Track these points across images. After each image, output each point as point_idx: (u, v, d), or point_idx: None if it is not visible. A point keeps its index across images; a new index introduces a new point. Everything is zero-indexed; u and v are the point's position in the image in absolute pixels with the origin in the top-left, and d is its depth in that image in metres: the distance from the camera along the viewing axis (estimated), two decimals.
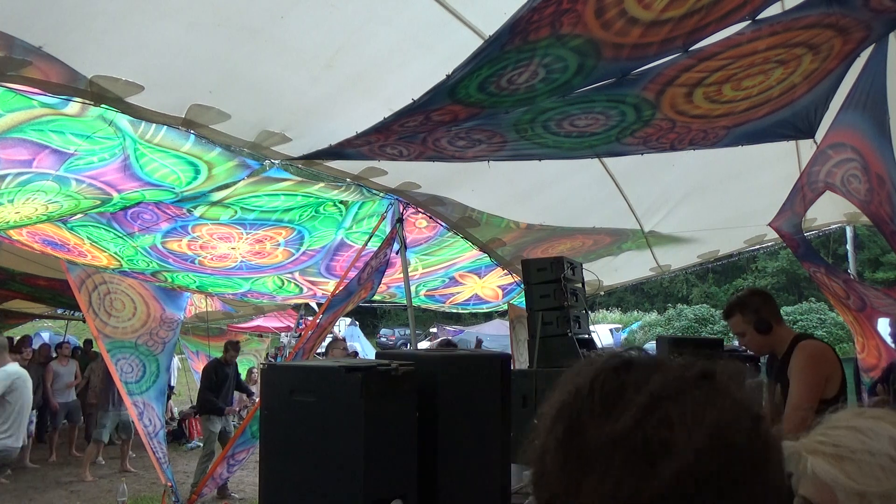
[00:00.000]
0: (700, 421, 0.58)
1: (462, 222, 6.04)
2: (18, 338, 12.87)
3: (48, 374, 9.81)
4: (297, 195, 5.17)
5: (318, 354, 5.85)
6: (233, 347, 9.06)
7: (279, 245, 6.51)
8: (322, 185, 4.83)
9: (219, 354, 9.40)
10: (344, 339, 5.93)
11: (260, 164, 4.29)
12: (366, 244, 5.95)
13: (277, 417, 2.57)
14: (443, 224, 6.04)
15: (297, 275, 7.76)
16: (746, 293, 3.24)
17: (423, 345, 18.37)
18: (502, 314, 15.16)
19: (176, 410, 12.01)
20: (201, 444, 8.81)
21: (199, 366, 11.45)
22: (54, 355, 10.70)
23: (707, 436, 0.57)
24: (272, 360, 13.35)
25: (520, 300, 8.07)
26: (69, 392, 9.89)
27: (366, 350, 19.47)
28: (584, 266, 4.69)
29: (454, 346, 7.12)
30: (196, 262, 6.89)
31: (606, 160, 4.97)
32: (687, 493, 0.56)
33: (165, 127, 3.66)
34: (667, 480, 0.56)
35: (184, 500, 6.52)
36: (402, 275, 6.06)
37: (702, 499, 0.56)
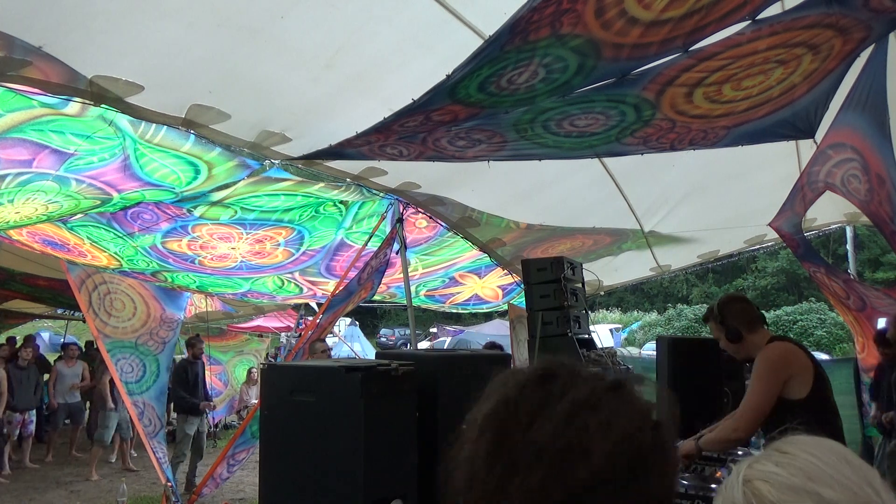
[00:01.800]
0: (611, 428, 0.66)
1: (462, 222, 6.04)
2: (20, 338, 12.89)
3: (52, 374, 9.78)
4: (297, 195, 5.17)
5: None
6: (198, 341, 8.82)
7: (279, 245, 6.51)
8: (322, 185, 4.83)
9: (220, 355, 9.37)
10: (324, 342, 5.89)
11: (260, 164, 4.29)
12: (366, 244, 5.95)
13: (277, 417, 2.57)
14: (443, 224, 6.04)
15: (297, 275, 7.76)
16: (721, 301, 3.20)
17: (424, 345, 18.36)
18: (502, 314, 15.15)
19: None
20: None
21: None
22: (59, 355, 10.69)
23: (616, 442, 0.66)
24: (272, 360, 13.35)
25: (520, 300, 8.07)
26: (73, 393, 9.86)
27: (366, 350, 19.46)
28: (584, 266, 4.69)
29: (500, 347, 7.15)
30: (196, 262, 6.89)
31: (606, 160, 4.97)
32: (596, 491, 0.64)
33: (165, 127, 3.66)
34: (581, 480, 0.64)
35: (183, 500, 6.52)
36: (402, 275, 6.06)
37: (607, 495, 0.65)
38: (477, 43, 2.86)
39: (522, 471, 0.65)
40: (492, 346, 7.75)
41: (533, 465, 0.65)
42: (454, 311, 10.97)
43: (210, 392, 9.67)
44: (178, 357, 8.69)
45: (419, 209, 5.66)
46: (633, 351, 20.49)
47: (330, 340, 11.05)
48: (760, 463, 0.84)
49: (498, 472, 0.67)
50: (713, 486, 2.68)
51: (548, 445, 0.66)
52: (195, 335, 9.31)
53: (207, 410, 8.39)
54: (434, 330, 25.73)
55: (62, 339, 15.68)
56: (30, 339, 10.84)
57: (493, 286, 8.47)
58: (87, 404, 10.61)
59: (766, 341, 2.99)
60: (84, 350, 12.75)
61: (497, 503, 0.66)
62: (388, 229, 5.69)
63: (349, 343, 18.27)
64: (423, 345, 18.97)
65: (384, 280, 6.18)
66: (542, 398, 0.70)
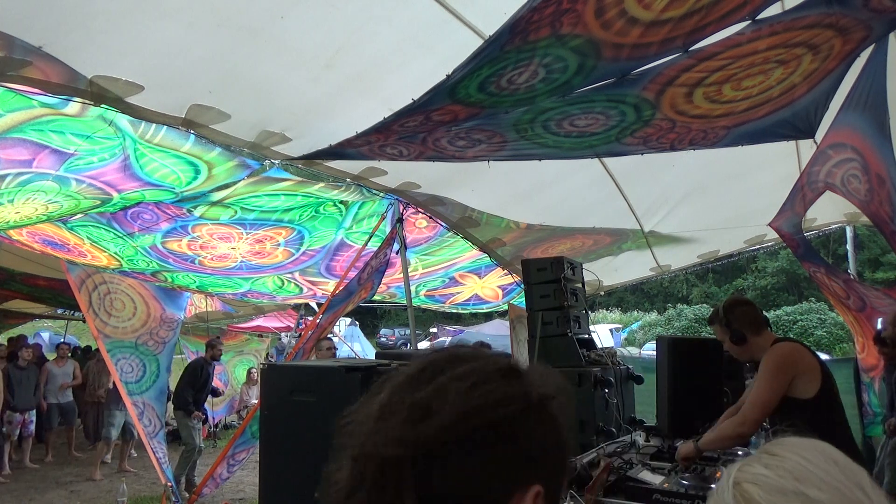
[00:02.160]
0: (469, 395, 0.77)
1: (462, 222, 6.04)
2: (11, 338, 12.89)
3: (42, 374, 9.75)
4: (297, 195, 5.17)
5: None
6: (218, 343, 8.78)
7: (279, 245, 6.51)
8: (322, 185, 4.83)
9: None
10: (329, 339, 5.89)
11: (260, 164, 4.29)
12: (366, 244, 5.95)
13: (277, 417, 2.57)
14: (443, 224, 6.04)
15: (297, 275, 7.76)
16: (726, 303, 3.23)
17: (424, 345, 18.36)
18: (502, 314, 15.15)
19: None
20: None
21: None
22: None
23: (470, 406, 0.76)
24: (272, 359, 13.35)
25: (520, 300, 8.07)
26: (64, 393, 9.82)
27: (366, 350, 19.46)
28: (584, 266, 4.68)
29: (488, 346, 7.13)
30: (196, 262, 6.89)
31: (606, 160, 4.97)
32: (447, 446, 0.74)
33: (165, 127, 3.66)
34: (430, 435, 0.74)
35: (183, 500, 6.52)
36: (402, 275, 6.06)
37: (459, 454, 0.75)
38: (477, 43, 2.86)
39: (393, 419, 0.78)
40: (480, 345, 7.71)
41: (400, 415, 0.77)
42: (454, 311, 10.96)
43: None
44: (178, 357, 8.67)
45: (419, 209, 5.66)
46: (633, 351, 20.49)
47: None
48: (750, 465, 0.85)
49: (374, 417, 0.80)
50: (713, 486, 2.68)
51: (415, 403, 0.77)
52: (216, 336, 9.29)
53: (197, 420, 8.26)
54: (434, 330, 25.74)
55: (62, 339, 15.69)
56: (21, 339, 10.83)
57: (493, 286, 8.47)
58: (85, 404, 10.62)
59: (770, 343, 3.00)
60: (82, 351, 12.75)
61: (373, 444, 0.77)
62: (388, 229, 5.69)
63: (349, 343, 18.26)
64: (423, 345, 18.97)
65: (384, 280, 6.18)
66: (434, 372, 0.81)
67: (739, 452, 3.20)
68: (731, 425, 2.92)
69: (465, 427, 0.75)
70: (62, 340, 13.50)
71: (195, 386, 8.18)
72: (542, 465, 0.79)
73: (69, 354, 10.51)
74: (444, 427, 0.75)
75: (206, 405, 8.98)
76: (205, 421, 8.67)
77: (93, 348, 12.60)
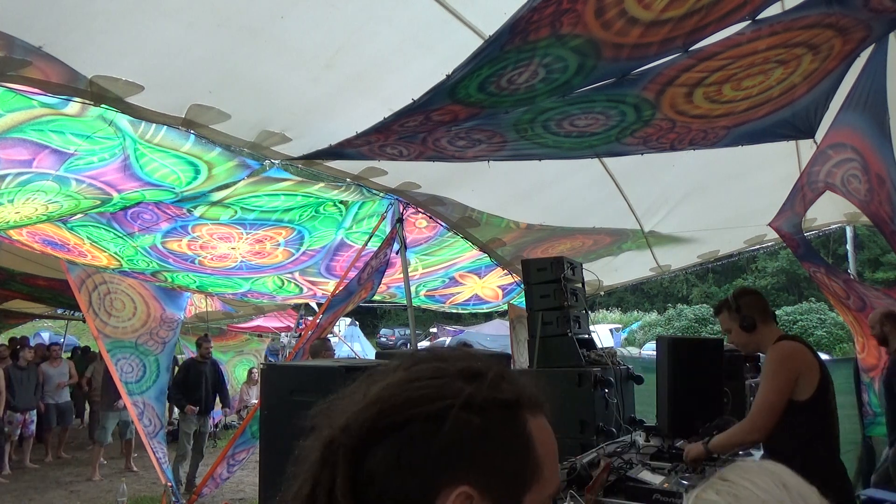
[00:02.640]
0: (398, 391, 0.82)
1: (462, 222, 6.04)
2: (13, 339, 12.88)
3: (38, 375, 9.74)
4: (297, 195, 5.17)
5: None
6: (204, 341, 8.65)
7: (279, 245, 6.51)
8: (322, 185, 4.83)
9: (220, 355, 9.32)
10: (327, 340, 5.88)
11: (260, 164, 4.29)
12: (366, 244, 5.95)
13: (277, 417, 2.57)
14: (443, 224, 6.04)
15: (297, 275, 7.76)
16: (736, 291, 3.26)
17: (424, 345, 18.35)
18: (502, 314, 15.15)
19: (176, 410, 12.02)
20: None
21: None
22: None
23: (398, 400, 0.81)
24: (272, 359, 13.35)
25: (520, 300, 8.07)
26: (61, 393, 9.80)
27: (366, 350, 19.46)
28: (584, 266, 4.68)
29: (469, 346, 7.15)
30: (196, 262, 6.89)
31: (606, 160, 4.97)
32: (378, 431, 0.79)
33: (165, 127, 3.66)
34: (367, 417, 0.81)
35: (183, 500, 6.52)
36: (402, 275, 6.06)
37: (385, 440, 0.79)
38: (477, 43, 2.86)
39: (349, 408, 0.85)
40: (463, 345, 7.71)
41: (357, 397, 0.85)
42: (454, 311, 10.97)
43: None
44: (179, 356, 8.67)
45: (419, 209, 5.66)
46: (633, 351, 20.48)
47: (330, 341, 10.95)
48: (705, 492, 0.92)
49: (341, 406, 0.87)
50: None
51: (367, 392, 0.85)
52: (203, 335, 9.24)
53: (189, 414, 8.17)
54: (434, 330, 25.72)
55: (62, 339, 15.69)
56: (23, 340, 10.83)
57: (493, 286, 8.47)
58: (86, 404, 10.62)
59: (775, 337, 3.01)
60: (81, 351, 12.73)
61: (328, 428, 0.85)
62: (388, 229, 5.69)
63: (349, 343, 18.26)
64: (423, 345, 18.96)
65: (384, 280, 6.18)
66: (404, 367, 0.88)
67: (740, 452, 3.20)
68: (742, 432, 2.90)
69: (396, 417, 0.79)
70: (56, 341, 13.48)
71: (181, 386, 8.14)
72: (474, 466, 0.79)
73: (64, 354, 10.48)
74: (379, 414, 0.80)
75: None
76: (201, 412, 8.47)
77: (91, 349, 12.61)
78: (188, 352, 11.95)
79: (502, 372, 0.86)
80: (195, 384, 8.28)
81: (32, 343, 12.21)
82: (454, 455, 0.78)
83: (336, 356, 11.10)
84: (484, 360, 0.88)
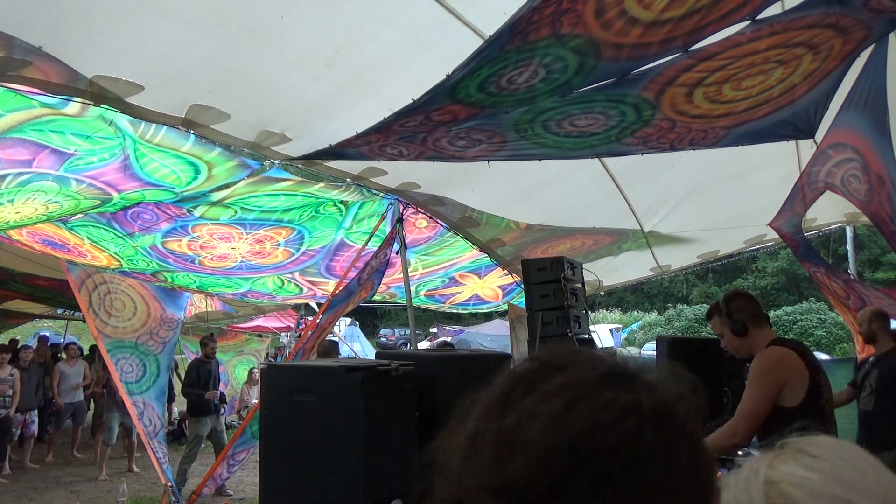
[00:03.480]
0: (563, 423, 0.58)
1: (462, 222, 6.04)
2: (14, 339, 12.88)
3: (55, 374, 9.78)
4: (297, 195, 5.17)
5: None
6: (210, 340, 8.70)
7: (279, 245, 6.51)
8: (322, 185, 4.83)
9: (220, 355, 9.29)
10: (336, 343, 5.89)
11: (260, 164, 4.29)
12: (366, 244, 5.95)
13: (277, 417, 2.57)
14: (443, 224, 6.04)
15: (297, 275, 7.76)
16: (727, 295, 3.19)
17: (423, 345, 18.37)
18: (502, 314, 15.15)
19: (176, 411, 12.02)
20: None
21: None
22: (62, 356, 10.65)
23: (556, 438, 0.57)
24: (272, 359, 13.35)
25: (520, 300, 8.07)
26: (76, 393, 9.84)
27: (366, 350, 19.46)
28: (584, 266, 4.69)
29: (451, 346, 7.15)
30: (196, 262, 6.89)
31: (606, 160, 4.97)
32: (537, 492, 0.56)
33: (165, 127, 3.66)
34: (517, 474, 0.56)
35: (183, 500, 6.52)
36: (402, 275, 6.06)
37: (560, 493, 0.56)
38: (477, 43, 2.86)
39: (476, 457, 0.60)
40: (444, 344, 7.67)
41: (483, 452, 0.60)
42: (454, 311, 10.97)
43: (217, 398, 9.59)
44: (178, 357, 8.66)
45: (419, 209, 5.66)
46: (633, 351, 20.50)
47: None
48: (785, 465, 0.76)
49: (461, 453, 0.62)
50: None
51: (498, 432, 0.60)
52: (209, 334, 9.26)
53: (214, 400, 8.23)
54: (434, 330, 25.71)
55: (62, 339, 15.69)
56: (12, 343, 10.83)
57: (493, 286, 8.47)
58: (91, 404, 10.62)
59: (767, 341, 2.97)
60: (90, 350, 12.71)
61: (459, 490, 0.60)
62: (388, 229, 5.69)
63: (349, 343, 18.26)
64: (423, 345, 18.97)
65: (384, 280, 6.18)
66: (523, 388, 0.63)
67: (739, 453, 3.19)
68: (724, 436, 2.86)
69: (562, 465, 0.56)
70: (68, 341, 13.49)
71: (196, 385, 8.13)
72: (683, 499, 0.58)
73: (77, 355, 10.51)
74: (533, 467, 0.56)
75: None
76: (222, 400, 8.44)
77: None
78: (188, 352, 11.97)
79: (635, 363, 0.65)
80: (206, 383, 8.29)
81: (34, 343, 12.23)
82: (662, 492, 0.57)
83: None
84: (611, 355, 0.66)
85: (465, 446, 0.62)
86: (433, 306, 10.33)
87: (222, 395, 8.83)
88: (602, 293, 9.13)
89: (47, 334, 15.11)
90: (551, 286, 4.19)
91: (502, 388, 0.65)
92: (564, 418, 0.57)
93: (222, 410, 8.90)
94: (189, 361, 9.70)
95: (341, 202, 5.60)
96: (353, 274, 5.74)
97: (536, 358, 0.68)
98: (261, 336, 13.97)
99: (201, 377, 8.19)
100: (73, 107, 3.35)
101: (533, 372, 0.65)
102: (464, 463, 0.61)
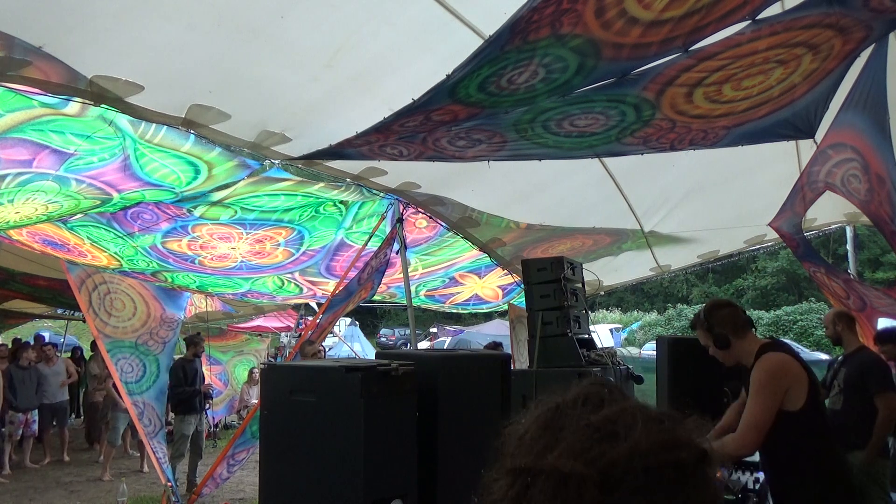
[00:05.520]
0: (657, 429, 0.72)
1: (462, 222, 6.04)
2: (16, 339, 12.86)
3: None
4: (297, 195, 5.17)
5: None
6: (199, 339, 8.62)
7: (279, 245, 6.51)
8: (322, 185, 4.83)
9: (220, 355, 9.28)
10: (314, 344, 5.87)
11: (260, 164, 4.29)
12: (366, 244, 5.95)
13: (277, 417, 2.57)
14: (443, 224, 6.04)
15: (297, 275, 7.76)
16: (707, 306, 3.18)
17: (424, 345, 18.36)
18: (502, 314, 15.15)
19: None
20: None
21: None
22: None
23: (662, 440, 0.71)
24: (272, 360, 13.35)
25: (520, 300, 8.07)
26: (58, 393, 9.70)
27: (366, 350, 19.46)
28: (584, 266, 4.69)
29: (500, 346, 7.19)
30: (196, 262, 6.89)
31: (606, 160, 4.97)
32: (634, 472, 0.69)
33: (165, 127, 3.66)
34: (622, 453, 0.69)
35: (183, 500, 6.52)
36: (402, 275, 6.06)
37: (643, 483, 0.69)
38: (477, 43, 2.86)
39: (570, 438, 0.72)
40: (494, 346, 7.75)
41: (581, 435, 0.72)
42: (454, 311, 10.97)
43: (212, 392, 9.60)
44: (179, 357, 8.64)
45: (419, 209, 5.66)
46: (633, 351, 20.50)
47: (330, 340, 10.99)
48: None
49: (546, 439, 0.74)
50: None
51: (598, 424, 0.72)
52: (196, 333, 9.21)
53: (209, 392, 8.16)
54: (434, 330, 25.72)
55: (62, 339, 15.69)
56: (15, 342, 10.76)
57: (493, 286, 8.47)
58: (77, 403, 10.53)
59: (756, 347, 2.96)
60: (82, 353, 12.69)
61: (543, 459, 0.72)
62: (388, 229, 5.69)
63: (349, 343, 18.26)
64: (424, 345, 18.96)
65: (384, 280, 6.18)
66: (600, 399, 0.77)
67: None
68: (733, 444, 2.86)
69: (656, 458, 0.69)
70: (53, 342, 13.38)
71: (183, 384, 8.08)
72: None
73: (65, 354, 10.42)
74: (636, 452, 0.69)
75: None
76: (197, 410, 8.44)
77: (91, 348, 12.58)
78: (188, 351, 11.93)
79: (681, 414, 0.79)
80: (192, 381, 8.26)
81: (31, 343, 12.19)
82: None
83: (337, 356, 11.08)
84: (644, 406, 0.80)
85: (541, 426, 0.75)
86: (433, 306, 10.33)
87: (207, 394, 8.77)
88: (602, 293, 9.13)
89: (45, 334, 15.10)
90: (551, 286, 4.19)
91: (571, 397, 0.78)
92: (657, 427, 0.72)
93: (207, 406, 8.87)
94: (203, 363, 9.61)
95: (341, 202, 5.60)
96: (353, 274, 5.74)
97: (588, 384, 0.82)
98: (261, 336, 13.97)
99: (188, 376, 8.15)
100: (73, 107, 3.35)
101: (596, 391, 0.79)
102: (543, 437, 0.73)
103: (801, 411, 2.77)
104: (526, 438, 0.75)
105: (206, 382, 8.19)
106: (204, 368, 9.16)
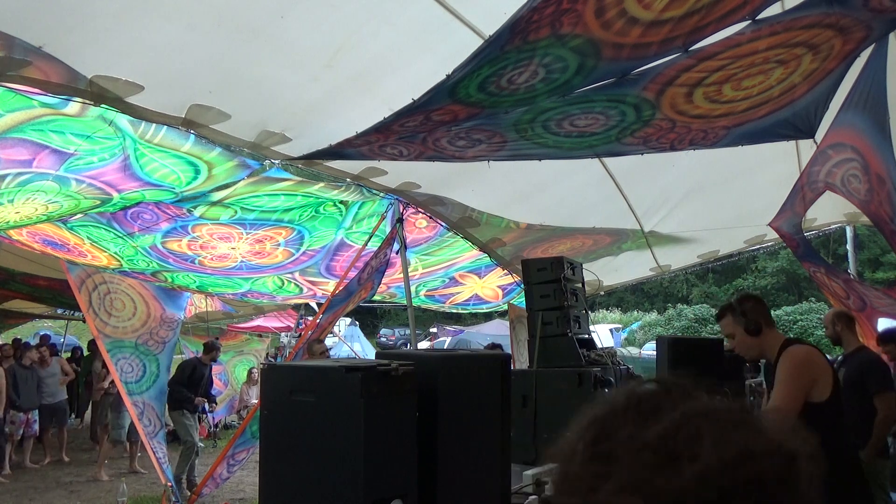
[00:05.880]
0: (728, 439, 0.61)
1: (462, 222, 6.04)
2: (16, 339, 12.84)
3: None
4: (297, 195, 5.17)
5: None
6: (213, 348, 8.54)
7: (279, 245, 6.51)
8: (322, 185, 4.83)
9: (220, 355, 9.23)
10: (322, 343, 5.87)
11: (260, 164, 4.29)
12: (366, 244, 5.95)
13: (277, 417, 2.57)
14: (443, 224, 6.04)
15: (297, 275, 7.76)
16: (741, 296, 3.24)
17: (423, 345, 18.35)
18: (502, 314, 15.15)
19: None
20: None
21: None
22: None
23: (735, 452, 0.60)
24: (272, 360, 13.35)
25: (520, 300, 8.07)
26: (58, 393, 9.68)
27: (366, 350, 19.46)
28: (584, 266, 4.68)
29: (500, 347, 7.22)
30: (196, 262, 6.89)
31: (606, 160, 4.97)
32: (707, 501, 0.58)
33: (165, 127, 3.66)
34: (688, 480, 0.59)
35: (183, 500, 6.52)
36: (402, 275, 6.06)
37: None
38: (477, 43, 2.86)
39: (624, 465, 0.62)
40: (492, 348, 7.76)
41: (636, 461, 0.61)
42: (454, 311, 10.97)
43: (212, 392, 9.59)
44: (179, 357, 8.64)
45: (419, 209, 5.66)
46: (633, 351, 20.49)
47: (330, 340, 10.98)
48: None
49: (595, 466, 0.63)
50: None
51: (654, 444, 0.61)
52: (215, 338, 9.18)
53: (205, 406, 8.14)
54: (434, 330, 25.72)
55: (62, 339, 15.69)
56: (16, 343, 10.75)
57: (493, 286, 8.47)
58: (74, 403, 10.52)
59: (780, 341, 3.00)
60: (82, 353, 12.66)
61: (595, 492, 0.62)
62: (388, 229, 5.69)
63: (349, 343, 18.26)
64: (424, 345, 18.96)
65: (384, 280, 6.18)
66: (653, 406, 0.65)
67: None
68: None
69: (732, 477, 0.59)
70: (37, 343, 13.32)
71: (184, 384, 8.05)
72: None
73: (64, 354, 10.42)
74: (705, 476, 0.58)
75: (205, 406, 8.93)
76: (201, 417, 8.46)
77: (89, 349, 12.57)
78: (188, 352, 11.93)
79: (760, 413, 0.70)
80: (196, 385, 8.24)
81: (31, 343, 12.19)
82: None
83: (337, 356, 11.09)
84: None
85: (591, 449, 0.64)
86: (433, 306, 10.33)
87: (204, 408, 8.72)
88: (602, 293, 9.13)
89: (48, 333, 15.09)
90: (551, 286, 4.19)
91: (620, 405, 0.67)
92: (728, 438, 0.61)
93: (204, 408, 8.86)
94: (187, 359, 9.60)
95: (341, 202, 5.60)
96: (353, 274, 5.74)
97: (642, 386, 0.70)
98: (261, 336, 13.97)
99: (193, 379, 8.11)
100: (73, 107, 3.35)
101: (657, 393, 0.68)
102: (596, 464, 0.63)
103: (827, 403, 2.80)
104: (573, 466, 0.65)
105: (200, 397, 8.10)
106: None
